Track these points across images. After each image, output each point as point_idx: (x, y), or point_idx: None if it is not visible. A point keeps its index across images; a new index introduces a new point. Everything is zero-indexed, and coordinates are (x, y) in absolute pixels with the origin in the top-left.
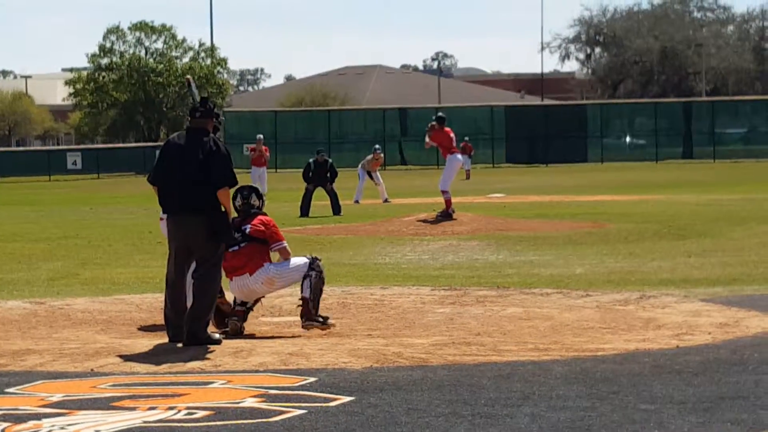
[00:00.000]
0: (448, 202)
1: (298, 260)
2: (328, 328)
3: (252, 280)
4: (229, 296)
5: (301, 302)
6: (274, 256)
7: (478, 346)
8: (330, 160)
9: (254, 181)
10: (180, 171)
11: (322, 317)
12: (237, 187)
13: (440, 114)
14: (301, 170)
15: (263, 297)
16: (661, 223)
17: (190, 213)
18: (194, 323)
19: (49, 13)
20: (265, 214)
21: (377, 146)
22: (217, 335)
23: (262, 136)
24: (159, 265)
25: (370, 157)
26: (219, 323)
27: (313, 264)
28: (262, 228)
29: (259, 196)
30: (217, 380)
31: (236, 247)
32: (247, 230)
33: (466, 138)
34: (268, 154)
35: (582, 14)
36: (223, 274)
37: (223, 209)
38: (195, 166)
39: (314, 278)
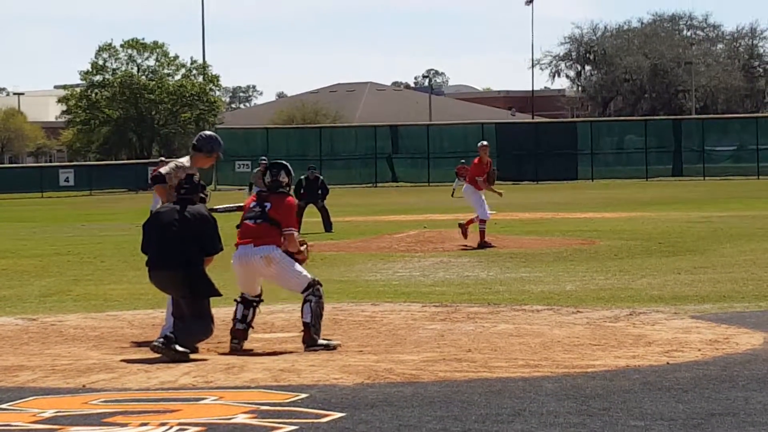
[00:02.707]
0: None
1: (303, 272)
2: (333, 350)
3: (253, 251)
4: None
5: (303, 328)
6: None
7: (468, 363)
8: (321, 177)
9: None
10: (166, 234)
11: (325, 340)
12: (268, 164)
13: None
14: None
15: (258, 288)
16: (651, 240)
17: (168, 269)
18: (180, 336)
19: (42, 31)
20: (291, 196)
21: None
22: (189, 353)
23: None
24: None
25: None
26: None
27: (315, 288)
28: (280, 211)
29: (288, 173)
30: (209, 396)
31: (252, 221)
32: (267, 208)
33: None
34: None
35: (572, 32)
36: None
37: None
38: (181, 230)
39: (314, 303)
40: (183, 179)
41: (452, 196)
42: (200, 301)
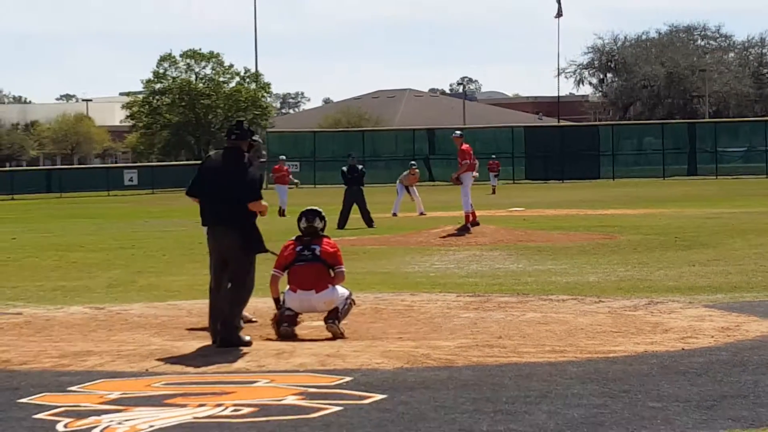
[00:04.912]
0: (467, 216)
1: (344, 291)
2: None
3: (316, 298)
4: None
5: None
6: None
7: (499, 348)
8: (361, 167)
9: (281, 198)
10: (217, 187)
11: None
12: (302, 210)
13: (458, 131)
14: (338, 186)
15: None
16: (668, 234)
17: (226, 226)
18: (226, 327)
19: (108, 42)
20: (328, 237)
21: (413, 162)
22: (247, 337)
23: (284, 157)
24: (208, 273)
25: (406, 172)
26: (278, 331)
27: (352, 296)
28: (332, 251)
29: (322, 219)
30: (261, 379)
31: (303, 263)
32: (317, 251)
33: (493, 156)
34: (289, 172)
35: (595, 42)
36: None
37: (255, 219)
38: (231, 184)
39: (348, 304)
40: (233, 125)
41: (493, 193)
42: (250, 257)
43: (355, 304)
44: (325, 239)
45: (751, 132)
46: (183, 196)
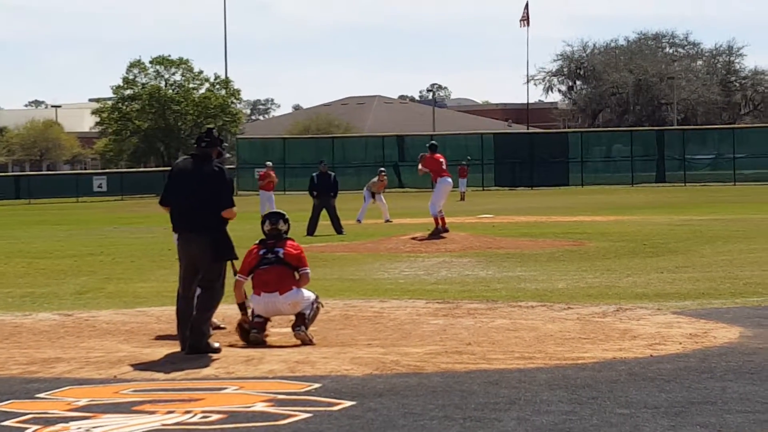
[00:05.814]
0: (439, 221)
1: (310, 294)
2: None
3: (281, 300)
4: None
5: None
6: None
7: (469, 355)
8: (333, 174)
9: (263, 204)
10: (188, 194)
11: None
12: (265, 213)
13: (432, 142)
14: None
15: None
16: (637, 241)
17: (197, 232)
18: (195, 334)
19: (78, 49)
20: (292, 239)
21: (382, 168)
22: (216, 344)
23: (270, 163)
24: (177, 280)
25: (375, 179)
26: (243, 337)
27: (318, 299)
28: (295, 253)
29: (286, 221)
30: (230, 386)
31: (267, 266)
32: (281, 253)
33: (463, 162)
34: (276, 179)
35: (564, 50)
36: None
37: (226, 226)
38: (204, 191)
39: (315, 309)
40: (203, 132)
41: (462, 199)
42: (221, 264)
43: (322, 307)
44: (288, 242)
45: (719, 139)
46: (152, 203)
